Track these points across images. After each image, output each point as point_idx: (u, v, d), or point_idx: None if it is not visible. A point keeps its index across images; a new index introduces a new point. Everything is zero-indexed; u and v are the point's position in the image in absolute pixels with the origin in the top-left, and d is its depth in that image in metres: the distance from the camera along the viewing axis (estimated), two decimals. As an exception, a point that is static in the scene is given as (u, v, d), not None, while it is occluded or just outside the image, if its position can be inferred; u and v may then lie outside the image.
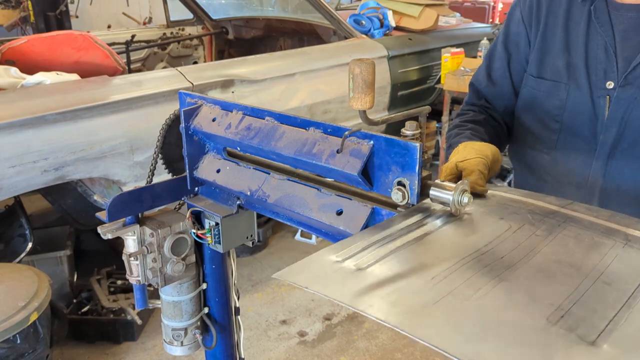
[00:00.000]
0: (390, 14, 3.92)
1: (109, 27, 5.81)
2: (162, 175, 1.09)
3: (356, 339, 2.74)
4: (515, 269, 0.63)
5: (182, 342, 1.12)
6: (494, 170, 0.98)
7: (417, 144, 0.72)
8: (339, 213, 0.82)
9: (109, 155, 2.34)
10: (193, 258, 1.08)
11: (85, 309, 2.68)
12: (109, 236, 0.97)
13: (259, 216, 1.07)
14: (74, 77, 2.41)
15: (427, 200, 0.77)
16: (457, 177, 0.92)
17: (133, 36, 3.97)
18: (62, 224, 2.98)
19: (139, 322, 2.58)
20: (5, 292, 1.97)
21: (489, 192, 0.85)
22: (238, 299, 1.20)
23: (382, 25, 3.84)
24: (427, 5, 4.16)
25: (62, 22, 4.88)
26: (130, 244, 1.00)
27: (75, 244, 2.97)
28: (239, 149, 0.98)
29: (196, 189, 1.09)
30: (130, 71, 3.57)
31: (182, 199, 1.09)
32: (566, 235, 0.72)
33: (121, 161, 2.38)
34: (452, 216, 0.75)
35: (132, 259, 0.99)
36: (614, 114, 1.11)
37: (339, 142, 0.79)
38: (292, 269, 0.63)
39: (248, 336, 2.72)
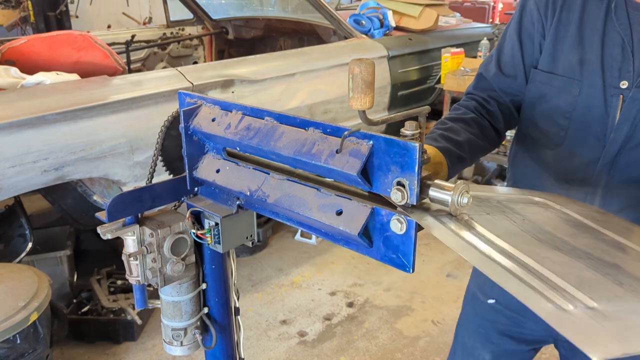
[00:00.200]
0: (390, 14, 3.92)
1: (109, 27, 5.81)
2: (163, 176, 1.09)
3: (356, 339, 2.74)
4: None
5: (181, 342, 1.12)
6: (438, 175, 1.00)
7: (417, 144, 0.72)
8: (339, 213, 0.82)
9: (109, 155, 2.34)
10: (193, 258, 1.08)
11: (85, 309, 2.68)
12: (109, 236, 0.97)
13: (259, 216, 1.07)
14: (74, 77, 2.41)
15: (427, 200, 0.77)
16: None
17: (133, 36, 3.97)
18: (62, 224, 2.98)
19: (139, 322, 2.58)
20: (5, 292, 1.97)
21: None
22: (238, 299, 1.20)
23: (382, 25, 3.84)
24: (427, 5, 4.16)
25: (62, 22, 4.89)
26: (130, 244, 1.00)
27: (75, 244, 2.97)
28: (238, 149, 0.98)
29: (196, 189, 1.09)
30: (130, 71, 3.57)
31: (182, 199, 1.09)
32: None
33: (121, 161, 2.38)
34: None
35: (131, 259, 0.99)
36: (627, 114, 1.10)
37: (339, 142, 0.79)
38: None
39: (248, 336, 2.72)
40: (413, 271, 0.76)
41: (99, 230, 0.97)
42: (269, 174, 0.95)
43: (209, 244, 1.05)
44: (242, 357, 1.24)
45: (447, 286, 3.18)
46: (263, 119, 0.92)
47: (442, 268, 3.36)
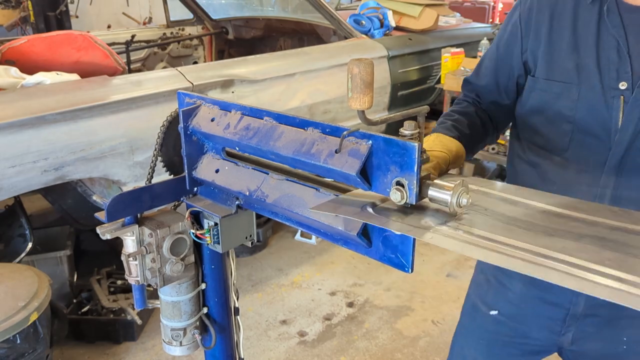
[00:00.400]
0: (390, 14, 3.92)
1: (109, 27, 5.82)
2: (163, 176, 1.09)
3: (356, 339, 2.74)
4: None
5: (181, 342, 1.12)
6: (456, 165, 1.05)
7: (416, 144, 0.72)
8: (338, 213, 0.82)
9: (109, 155, 2.34)
10: (192, 258, 1.08)
11: (85, 309, 2.68)
12: (108, 236, 0.97)
13: (258, 216, 1.07)
14: (74, 77, 2.40)
15: (426, 200, 0.77)
16: None
17: (133, 36, 3.97)
18: (62, 224, 2.98)
19: (139, 322, 2.58)
20: (5, 292, 1.97)
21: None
22: (237, 299, 1.20)
23: (382, 25, 3.84)
24: (427, 5, 4.15)
25: (62, 22, 4.89)
26: (129, 244, 1.00)
27: (75, 244, 2.97)
28: (237, 149, 0.98)
29: (195, 189, 1.09)
30: (130, 71, 3.57)
31: (181, 199, 1.09)
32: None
33: (121, 161, 2.38)
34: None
35: (131, 259, 0.99)
36: (630, 115, 1.11)
37: (338, 142, 0.79)
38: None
39: (248, 336, 2.72)
40: (412, 271, 0.76)
41: (98, 230, 0.97)
42: (268, 174, 0.95)
43: (208, 244, 1.05)
44: (242, 357, 1.24)
45: (447, 286, 3.18)
46: (262, 118, 0.92)
47: (442, 268, 3.36)
